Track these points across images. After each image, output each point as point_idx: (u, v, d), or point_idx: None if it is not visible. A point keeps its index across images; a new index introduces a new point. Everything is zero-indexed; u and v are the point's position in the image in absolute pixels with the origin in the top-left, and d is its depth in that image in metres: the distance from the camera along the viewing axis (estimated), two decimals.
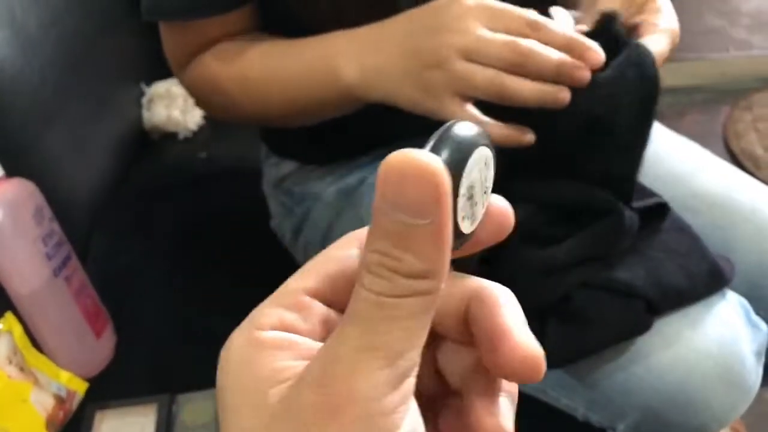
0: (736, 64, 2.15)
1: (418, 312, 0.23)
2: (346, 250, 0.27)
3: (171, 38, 0.78)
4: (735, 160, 1.90)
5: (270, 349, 0.25)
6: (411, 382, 0.23)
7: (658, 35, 0.63)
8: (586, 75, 0.56)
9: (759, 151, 1.92)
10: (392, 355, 0.23)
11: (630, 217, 0.63)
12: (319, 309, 0.26)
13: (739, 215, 0.80)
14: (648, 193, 0.68)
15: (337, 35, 0.68)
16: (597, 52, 0.56)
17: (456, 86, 0.59)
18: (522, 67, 0.57)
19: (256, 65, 0.73)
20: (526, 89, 0.57)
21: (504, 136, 0.58)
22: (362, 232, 0.27)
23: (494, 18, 0.59)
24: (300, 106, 0.73)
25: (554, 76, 0.57)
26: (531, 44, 0.57)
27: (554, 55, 0.56)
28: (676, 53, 0.66)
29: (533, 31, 0.58)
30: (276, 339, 0.25)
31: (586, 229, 0.63)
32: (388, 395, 0.22)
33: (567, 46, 0.57)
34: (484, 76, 0.57)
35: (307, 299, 0.26)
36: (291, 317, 0.26)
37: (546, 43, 0.57)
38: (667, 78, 0.61)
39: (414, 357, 0.23)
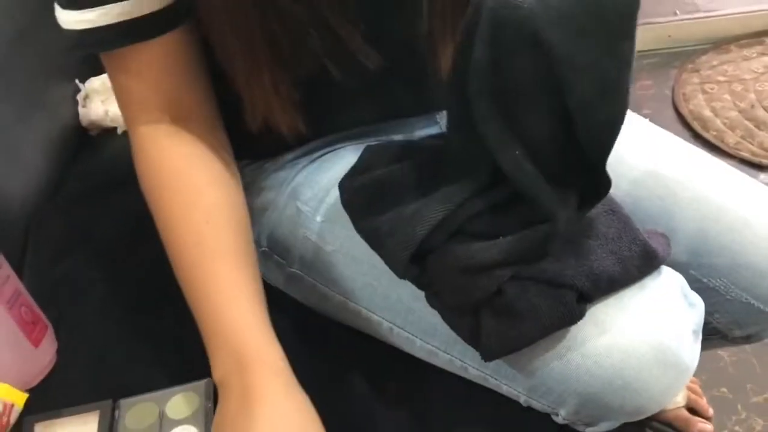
0: (682, 27, 2.16)
1: None
2: None
3: (113, 82, 0.73)
4: (684, 122, 1.92)
5: None
6: None
7: None
8: None
9: (707, 112, 1.93)
10: None
11: (567, 220, 0.62)
12: None
13: (677, 184, 0.81)
14: None
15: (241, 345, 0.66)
16: None
17: None
18: None
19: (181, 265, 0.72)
20: None
21: None
22: None
23: None
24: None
25: None
26: None
27: None
28: None
29: None
30: None
31: (520, 229, 0.62)
32: None
33: None
34: None
35: None
36: None
37: None
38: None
39: None
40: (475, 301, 0.63)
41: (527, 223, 0.62)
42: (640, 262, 0.65)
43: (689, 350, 0.66)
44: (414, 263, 0.66)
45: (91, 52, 0.70)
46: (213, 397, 0.79)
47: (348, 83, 0.72)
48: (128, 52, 0.68)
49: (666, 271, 0.70)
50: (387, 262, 0.68)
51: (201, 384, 0.80)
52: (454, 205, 0.63)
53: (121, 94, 0.73)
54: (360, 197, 0.72)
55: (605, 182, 0.61)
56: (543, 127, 0.59)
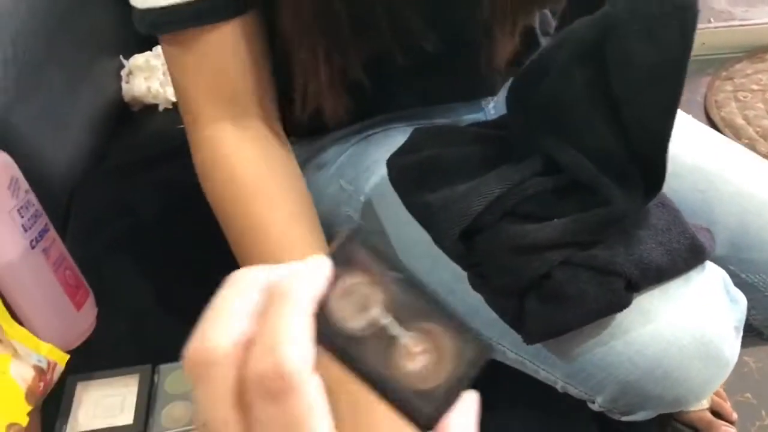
0: (717, 35, 2.15)
1: None
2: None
3: (178, 75, 0.73)
4: (716, 129, 1.90)
5: None
6: None
7: None
8: None
9: (739, 120, 1.93)
10: None
11: (626, 209, 0.62)
12: None
13: (718, 177, 0.80)
14: None
15: None
16: None
17: None
18: None
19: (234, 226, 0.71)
20: None
21: None
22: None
23: None
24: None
25: None
26: None
27: None
28: None
29: None
30: None
31: (575, 213, 0.62)
32: None
33: None
34: None
35: None
36: None
37: None
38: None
39: None
40: (523, 283, 0.63)
41: (584, 207, 0.62)
42: (688, 255, 0.66)
43: (730, 345, 0.67)
44: (461, 241, 0.66)
45: (168, 31, 0.69)
46: None
47: (401, 66, 0.73)
48: (201, 33, 0.68)
49: (709, 265, 0.70)
50: (435, 237, 0.68)
51: None
52: (511, 184, 0.64)
53: (185, 84, 0.72)
54: (409, 175, 0.72)
55: (663, 172, 0.62)
56: (602, 127, 0.60)
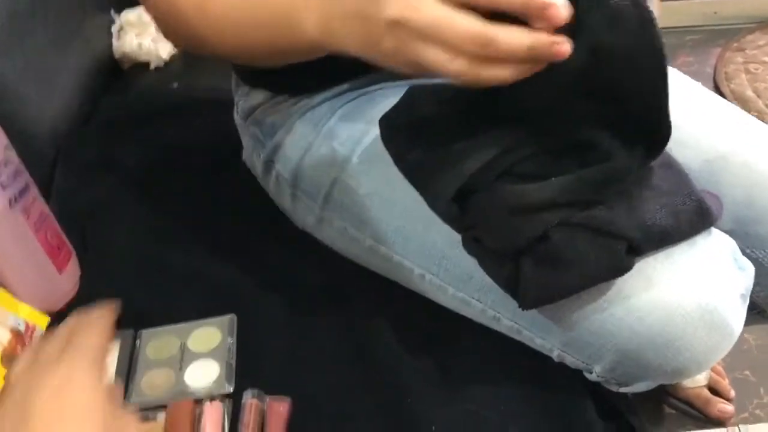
0: (729, 4, 2.10)
1: None
2: None
3: None
4: None
5: None
6: None
7: None
8: (564, 50, 0.49)
9: (749, 92, 1.88)
10: None
11: (629, 165, 0.59)
12: None
13: (726, 147, 0.78)
14: None
15: None
16: (558, 8, 0.48)
17: (420, 69, 0.53)
18: (488, 56, 0.50)
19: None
20: (501, 74, 0.50)
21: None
22: None
23: None
24: (261, 51, 0.69)
25: (528, 59, 0.50)
26: (494, 33, 0.49)
27: (524, 39, 0.49)
28: None
29: None
30: None
31: (575, 171, 0.59)
32: None
33: (524, 8, 0.49)
34: (454, 68, 0.51)
35: None
36: None
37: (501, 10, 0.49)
38: (658, 19, 0.56)
39: None
40: (519, 246, 0.60)
41: (583, 164, 0.59)
42: (694, 217, 0.63)
43: (736, 314, 0.64)
44: (456, 203, 0.63)
45: None
46: (235, 333, 0.77)
47: None
48: None
49: (717, 232, 0.67)
50: (429, 199, 0.65)
51: (225, 319, 0.78)
52: (508, 144, 0.60)
53: None
54: (402, 134, 0.69)
55: (667, 129, 0.58)
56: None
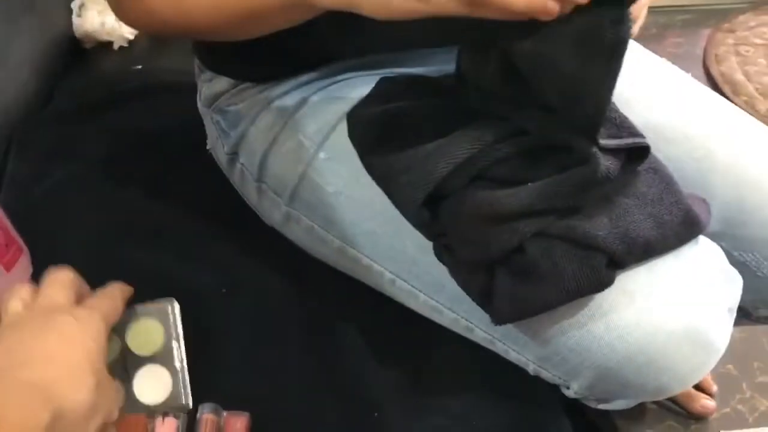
0: None
1: None
2: None
3: None
4: (713, 84, 1.84)
5: None
6: None
7: None
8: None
9: (738, 75, 1.84)
10: None
11: (606, 167, 0.55)
12: None
13: (716, 145, 0.75)
14: (628, 127, 0.60)
15: None
16: None
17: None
18: None
19: None
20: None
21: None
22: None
23: None
24: (234, 15, 0.63)
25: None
26: None
27: None
28: None
29: None
30: None
31: (552, 175, 0.55)
32: None
33: None
34: None
35: None
36: None
37: None
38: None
39: None
40: (492, 257, 0.56)
41: (561, 169, 0.55)
42: (681, 228, 0.59)
43: (722, 331, 0.61)
44: (426, 208, 0.59)
45: None
46: (179, 325, 0.68)
47: None
48: None
49: (704, 240, 0.63)
50: (397, 202, 0.62)
51: (163, 307, 0.67)
52: (482, 145, 0.56)
53: None
54: (371, 130, 0.65)
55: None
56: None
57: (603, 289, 0.57)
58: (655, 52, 0.86)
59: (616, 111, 0.60)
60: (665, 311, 0.58)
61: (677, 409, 1.18)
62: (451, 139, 0.58)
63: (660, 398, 0.62)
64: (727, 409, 1.24)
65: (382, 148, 0.63)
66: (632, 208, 0.58)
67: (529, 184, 0.56)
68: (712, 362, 0.61)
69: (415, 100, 0.66)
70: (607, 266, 0.56)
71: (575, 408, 0.71)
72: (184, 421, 0.66)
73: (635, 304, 0.58)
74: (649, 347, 0.58)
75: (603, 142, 0.55)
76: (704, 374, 0.61)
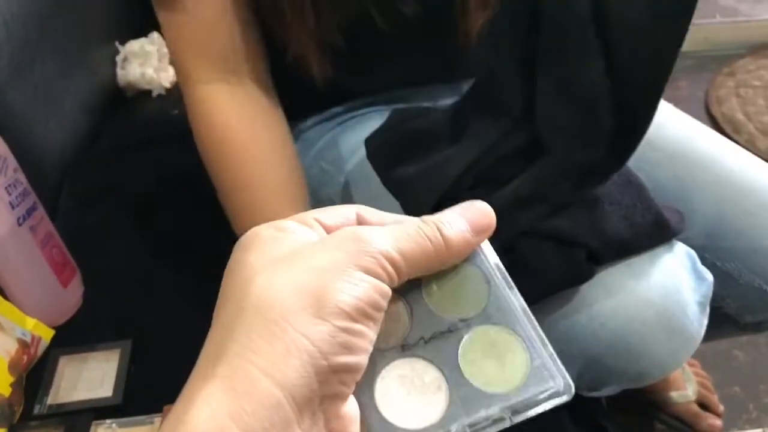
0: (721, 31, 2.15)
1: None
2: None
3: (170, 36, 0.75)
4: (715, 124, 1.91)
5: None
6: None
7: None
8: None
9: (739, 116, 1.92)
10: None
11: (579, 163, 0.62)
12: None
13: (698, 166, 0.80)
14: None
15: None
16: None
17: None
18: None
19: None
20: None
21: None
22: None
23: None
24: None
25: None
26: None
27: None
28: None
29: None
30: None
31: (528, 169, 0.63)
32: None
33: None
34: None
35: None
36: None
37: None
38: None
39: None
40: None
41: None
42: (652, 230, 0.66)
43: (695, 320, 0.67)
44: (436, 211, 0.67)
45: None
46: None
47: (379, 34, 0.73)
48: None
49: (678, 245, 0.70)
50: (409, 208, 0.69)
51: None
52: (485, 146, 0.64)
53: (177, 42, 0.74)
54: (386, 151, 0.73)
55: (644, 128, 0.60)
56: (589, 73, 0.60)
57: (584, 282, 0.64)
58: None
59: None
60: (640, 302, 0.64)
61: (685, 429, 1.23)
62: (458, 148, 0.66)
63: (643, 384, 0.68)
64: (735, 429, 1.29)
65: (397, 164, 0.72)
66: (609, 212, 0.65)
67: (515, 180, 0.63)
68: (688, 349, 0.66)
69: (425, 121, 0.75)
70: (587, 261, 0.63)
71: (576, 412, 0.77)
72: None
73: (614, 296, 0.64)
74: (626, 334, 0.64)
75: None
76: (681, 361, 0.66)
